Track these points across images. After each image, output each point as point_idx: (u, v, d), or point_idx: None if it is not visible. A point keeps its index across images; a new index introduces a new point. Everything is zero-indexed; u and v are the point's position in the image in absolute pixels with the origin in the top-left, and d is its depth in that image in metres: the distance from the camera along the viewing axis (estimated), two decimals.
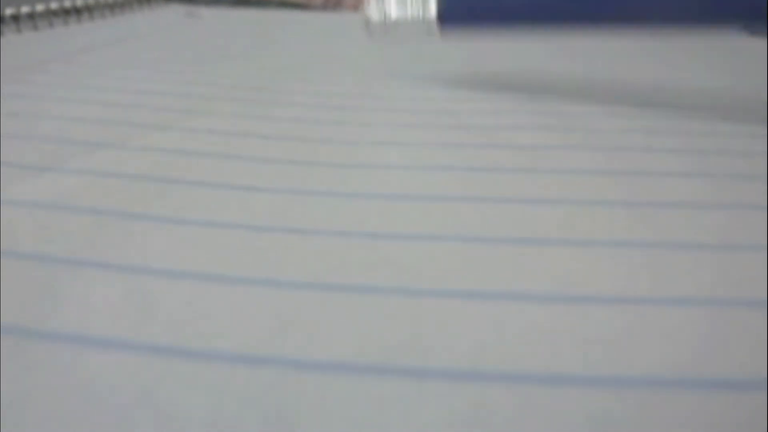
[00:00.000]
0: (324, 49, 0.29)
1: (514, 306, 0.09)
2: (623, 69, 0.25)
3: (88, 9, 0.33)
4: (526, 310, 0.09)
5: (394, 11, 0.21)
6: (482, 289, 0.09)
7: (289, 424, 0.07)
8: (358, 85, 0.22)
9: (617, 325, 0.09)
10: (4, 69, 0.22)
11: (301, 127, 0.17)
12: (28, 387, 0.07)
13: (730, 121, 0.17)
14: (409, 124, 0.17)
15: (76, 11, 0.32)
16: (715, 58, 0.26)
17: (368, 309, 0.09)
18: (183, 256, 0.10)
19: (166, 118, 0.17)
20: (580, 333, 0.08)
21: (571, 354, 0.08)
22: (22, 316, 0.09)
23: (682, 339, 0.08)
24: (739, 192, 0.13)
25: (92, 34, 0.30)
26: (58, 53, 0.25)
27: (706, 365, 0.08)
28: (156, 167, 0.14)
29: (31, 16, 0.29)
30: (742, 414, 0.07)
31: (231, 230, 0.11)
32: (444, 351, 0.08)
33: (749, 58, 0.26)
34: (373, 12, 0.21)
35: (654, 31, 0.18)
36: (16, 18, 0.29)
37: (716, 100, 0.20)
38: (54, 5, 0.31)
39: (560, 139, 0.16)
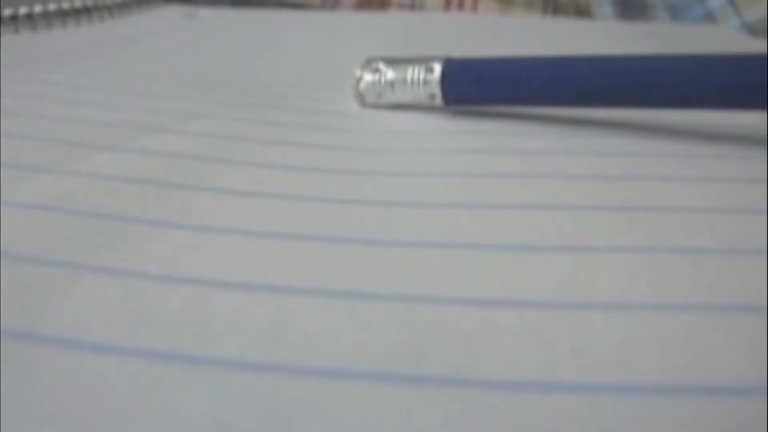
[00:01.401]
0: (323, 52, 0.29)
1: (512, 312, 0.09)
2: None
3: (87, 11, 0.33)
4: (523, 317, 0.09)
5: (390, 73, 0.19)
6: (479, 295, 0.09)
7: (286, 430, 0.07)
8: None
9: (615, 331, 0.09)
10: (1, 70, 0.22)
11: (299, 133, 0.17)
12: (26, 390, 0.07)
13: (728, 124, 0.17)
14: (404, 130, 0.17)
15: (75, 13, 0.32)
16: None
17: (366, 315, 0.09)
18: (180, 261, 0.10)
19: (164, 120, 0.17)
20: (578, 339, 0.08)
21: (569, 361, 0.08)
22: (19, 320, 0.09)
23: (681, 345, 0.08)
24: (738, 196, 0.13)
25: (90, 36, 0.30)
26: (55, 55, 0.25)
27: (706, 371, 0.08)
28: (153, 170, 0.14)
29: (30, 17, 0.29)
30: (742, 420, 0.07)
31: (228, 235, 0.11)
32: (441, 357, 0.08)
33: None
34: (364, 73, 0.19)
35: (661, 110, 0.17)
36: (14, 19, 0.29)
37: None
38: (52, 7, 0.31)
39: (558, 145, 0.16)
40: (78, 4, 0.32)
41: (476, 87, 0.18)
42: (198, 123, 0.17)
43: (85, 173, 0.13)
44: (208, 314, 0.09)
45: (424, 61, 0.19)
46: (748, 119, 0.17)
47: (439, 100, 0.18)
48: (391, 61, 0.19)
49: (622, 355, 0.08)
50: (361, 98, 0.20)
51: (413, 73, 0.19)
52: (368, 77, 0.19)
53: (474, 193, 0.13)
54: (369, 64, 0.20)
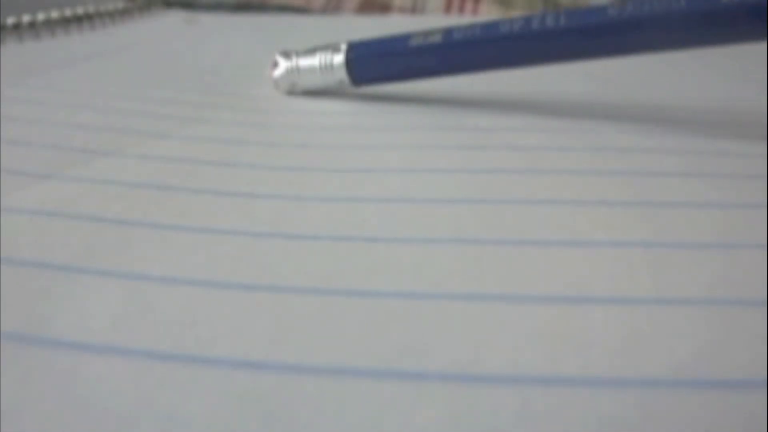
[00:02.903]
0: None
1: (514, 308, 0.09)
2: (620, 68, 0.25)
3: (89, 17, 0.33)
4: (525, 312, 0.09)
5: (302, 62, 0.20)
6: (481, 291, 0.09)
7: (288, 429, 0.07)
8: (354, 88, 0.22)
9: (617, 326, 0.09)
10: (4, 76, 0.22)
11: (298, 134, 0.17)
12: (28, 394, 0.07)
13: (729, 120, 0.17)
14: (405, 127, 0.17)
15: (78, 20, 0.32)
16: (714, 58, 0.26)
17: (367, 313, 0.09)
18: (182, 263, 0.10)
19: (165, 125, 0.17)
20: (580, 334, 0.08)
21: (571, 355, 0.08)
22: (22, 323, 0.09)
23: (683, 340, 0.08)
24: (738, 192, 0.13)
25: (93, 42, 0.30)
26: (58, 61, 0.25)
27: (707, 366, 0.08)
28: (155, 175, 0.14)
29: (33, 25, 0.30)
30: (742, 415, 0.07)
31: (229, 236, 0.11)
32: (443, 354, 0.08)
33: (749, 59, 0.26)
34: (279, 63, 0.20)
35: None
36: (17, 27, 0.29)
37: (716, 100, 0.20)
38: (55, 14, 0.31)
39: (558, 140, 0.16)
40: (80, 11, 0.32)
41: (381, 64, 0.19)
42: (198, 127, 0.17)
43: (87, 178, 0.13)
44: (209, 315, 0.09)
45: (332, 46, 0.19)
46: (749, 116, 0.17)
47: (347, 83, 0.19)
48: (305, 50, 0.20)
49: (624, 349, 0.08)
50: (276, 86, 0.20)
51: (322, 58, 0.19)
52: (282, 66, 0.20)
53: (473, 188, 0.13)
54: (286, 53, 0.20)
